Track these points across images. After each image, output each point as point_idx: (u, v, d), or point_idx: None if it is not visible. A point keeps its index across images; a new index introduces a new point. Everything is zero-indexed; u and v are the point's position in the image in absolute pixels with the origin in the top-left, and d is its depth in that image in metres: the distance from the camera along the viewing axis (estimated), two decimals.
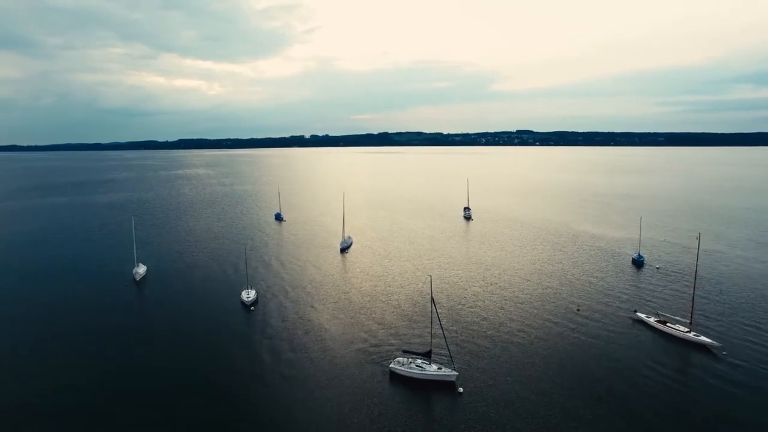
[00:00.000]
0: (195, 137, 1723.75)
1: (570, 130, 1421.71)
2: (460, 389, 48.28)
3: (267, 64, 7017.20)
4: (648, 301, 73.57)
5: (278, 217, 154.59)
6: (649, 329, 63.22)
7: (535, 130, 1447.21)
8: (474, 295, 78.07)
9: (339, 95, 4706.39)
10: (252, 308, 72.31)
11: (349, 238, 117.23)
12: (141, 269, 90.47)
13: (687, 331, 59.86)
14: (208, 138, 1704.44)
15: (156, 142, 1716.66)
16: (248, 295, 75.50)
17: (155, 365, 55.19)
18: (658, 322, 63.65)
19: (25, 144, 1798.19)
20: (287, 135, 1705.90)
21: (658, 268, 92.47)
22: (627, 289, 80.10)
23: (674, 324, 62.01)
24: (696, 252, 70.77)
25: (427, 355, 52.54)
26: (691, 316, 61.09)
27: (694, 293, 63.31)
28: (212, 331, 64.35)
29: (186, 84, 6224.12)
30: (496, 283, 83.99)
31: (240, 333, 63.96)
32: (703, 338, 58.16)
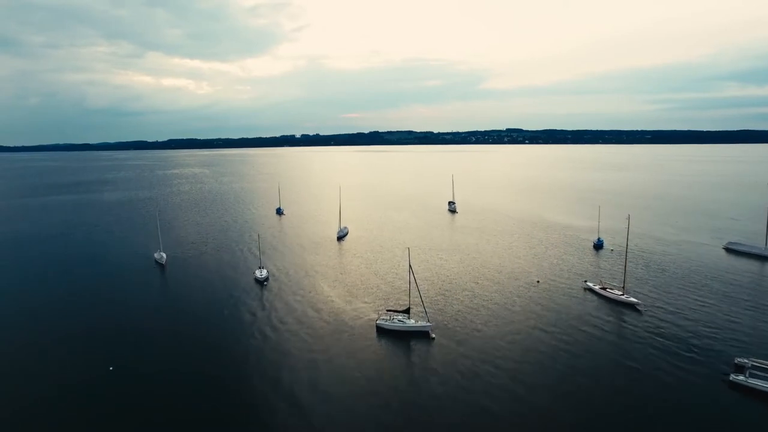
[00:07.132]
0: (185, 137, 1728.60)
1: (559, 128, 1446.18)
2: (433, 336, 61.95)
3: (256, 62, 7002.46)
4: (597, 273, 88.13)
5: (279, 212, 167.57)
6: (594, 294, 77.62)
7: (524, 129, 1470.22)
8: (452, 270, 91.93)
9: (329, 94, 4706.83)
10: (265, 283, 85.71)
11: (345, 227, 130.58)
12: (161, 256, 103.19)
13: (621, 294, 74.32)
14: (198, 138, 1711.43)
15: (146, 142, 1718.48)
16: (261, 273, 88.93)
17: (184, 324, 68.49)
18: (601, 288, 78.00)
19: (11, 144, 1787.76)
20: (278, 134, 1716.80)
21: (612, 250, 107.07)
22: (582, 264, 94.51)
23: (612, 288, 76.51)
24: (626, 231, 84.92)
25: (406, 312, 66.05)
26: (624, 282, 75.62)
27: (626, 264, 77.92)
28: (230, 305, 77.75)
29: (174, 83, 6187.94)
30: (475, 261, 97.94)
31: (254, 304, 77.38)
32: (632, 299, 72.66)
